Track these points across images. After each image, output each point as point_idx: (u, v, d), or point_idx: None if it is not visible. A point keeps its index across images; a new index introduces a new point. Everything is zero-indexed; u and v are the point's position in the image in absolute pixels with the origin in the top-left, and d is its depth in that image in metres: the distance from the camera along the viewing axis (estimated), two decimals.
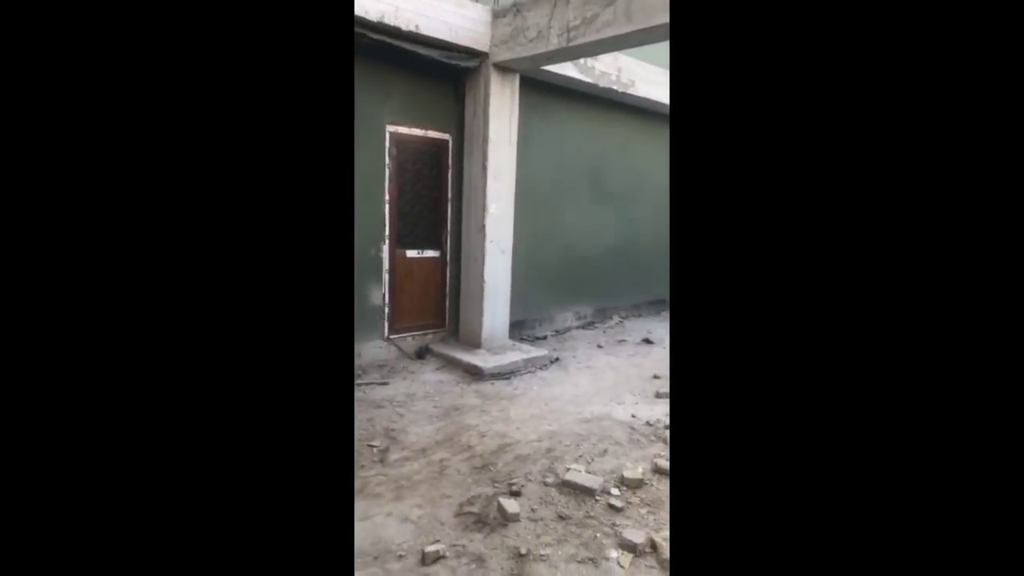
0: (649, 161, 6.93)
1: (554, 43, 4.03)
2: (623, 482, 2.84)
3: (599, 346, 5.63)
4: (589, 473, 2.91)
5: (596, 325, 6.53)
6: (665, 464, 3.01)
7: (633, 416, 3.79)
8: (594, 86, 5.49)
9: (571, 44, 3.91)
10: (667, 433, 3.48)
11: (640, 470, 2.95)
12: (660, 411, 3.89)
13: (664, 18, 3.35)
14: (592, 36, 3.76)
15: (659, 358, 5.27)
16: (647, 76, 6.00)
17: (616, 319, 6.80)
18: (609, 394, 4.23)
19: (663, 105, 6.33)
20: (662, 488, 2.82)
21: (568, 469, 2.94)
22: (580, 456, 3.16)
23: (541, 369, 4.80)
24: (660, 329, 6.46)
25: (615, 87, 5.66)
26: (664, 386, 4.40)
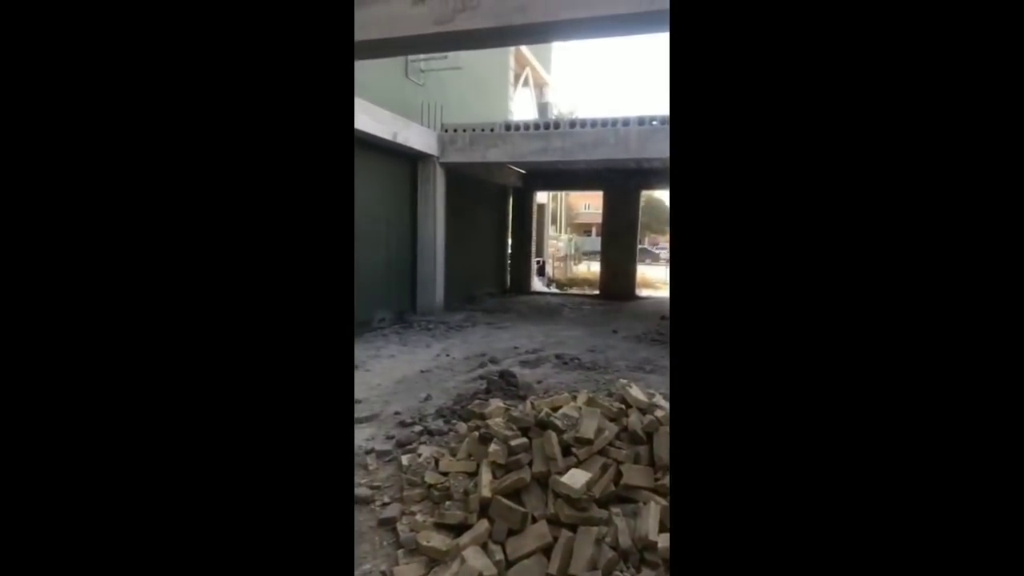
0: None
1: None
2: None
3: None
4: None
5: None
6: (364, 492, 2.92)
7: None
8: None
9: None
10: (367, 458, 3.40)
11: None
12: (361, 437, 3.79)
13: None
14: None
15: (360, 381, 5.17)
16: None
17: None
18: None
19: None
20: (362, 519, 2.72)
21: None
22: None
23: None
24: (362, 352, 6.37)
25: None
26: (365, 410, 4.32)
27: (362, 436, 3.81)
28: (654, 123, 7.68)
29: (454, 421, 3.97)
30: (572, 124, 7.93)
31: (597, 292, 12.22)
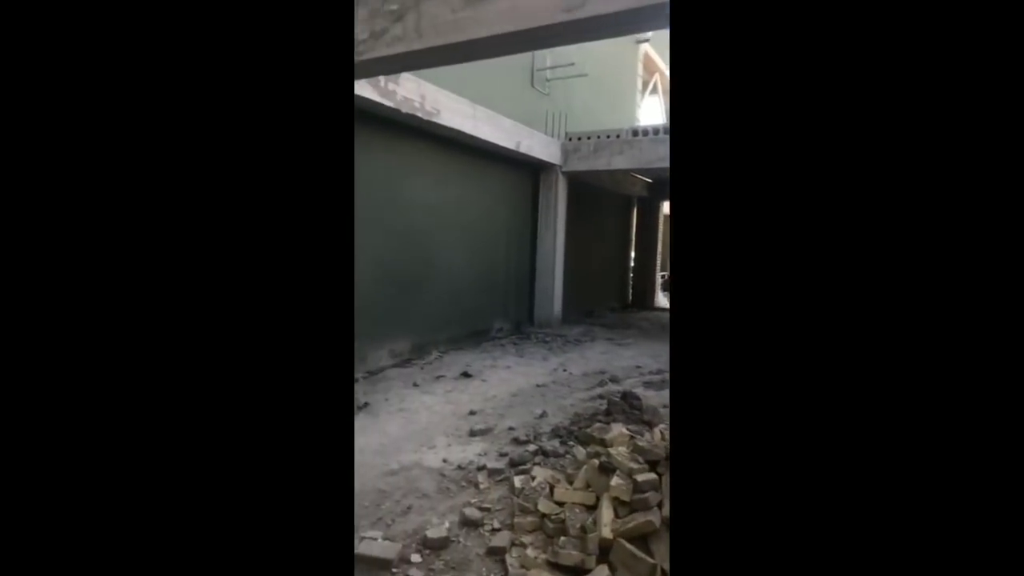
0: (461, 192, 6.87)
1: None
2: (426, 544, 2.48)
3: (415, 384, 5.26)
4: (386, 539, 2.50)
5: (413, 362, 6.15)
6: (473, 513, 2.72)
7: (444, 461, 3.46)
8: (396, 111, 5.24)
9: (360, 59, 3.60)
10: (479, 476, 3.22)
11: (446, 526, 2.62)
12: (473, 451, 3.63)
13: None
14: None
15: (476, 392, 5.06)
16: (453, 106, 5.95)
17: (435, 354, 6.50)
18: (420, 438, 3.87)
19: (469, 136, 6.33)
20: (470, 544, 2.52)
21: (362, 539, 2.49)
22: (379, 519, 2.73)
23: None
24: (479, 362, 6.30)
25: (419, 113, 5.48)
26: (479, 422, 4.17)
27: (474, 450, 3.65)
28: None
29: (571, 443, 3.68)
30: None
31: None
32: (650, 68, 14.16)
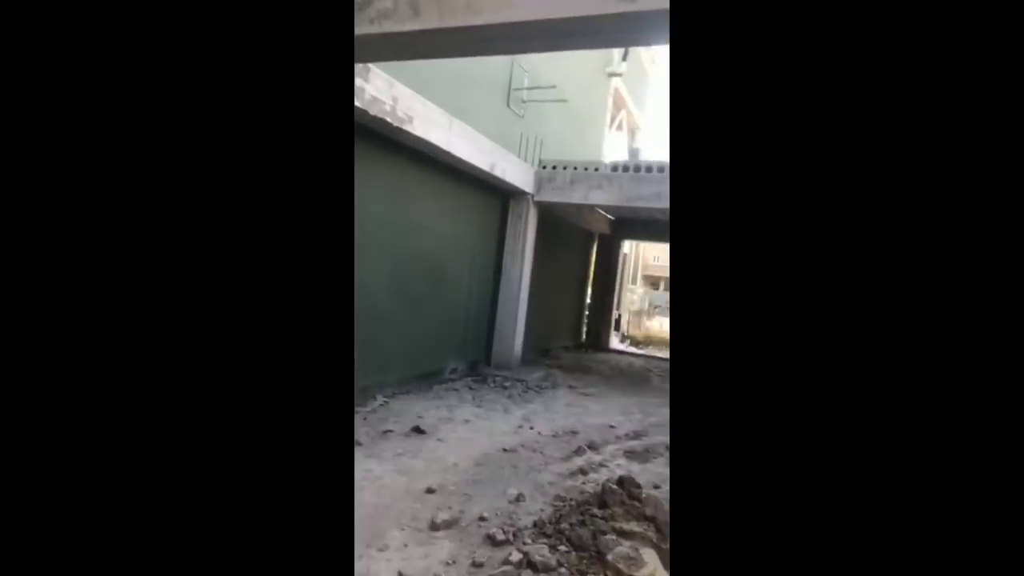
0: (423, 212, 6.03)
1: None
2: None
3: (358, 443, 4.31)
4: None
5: (356, 409, 5.18)
6: None
7: (400, 575, 2.58)
8: (363, 112, 4.39)
9: None
10: None
11: None
12: (438, 557, 2.76)
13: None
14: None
15: (433, 456, 4.18)
16: (428, 116, 5.16)
17: (380, 400, 5.55)
18: (367, 531, 2.95)
19: (443, 151, 5.54)
20: None
21: None
22: None
23: None
24: (432, 412, 5.41)
25: (388, 119, 4.65)
26: (442, 506, 3.30)
27: (439, 555, 2.79)
28: None
29: (563, 548, 2.89)
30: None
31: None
32: (618, 104, 13.95)
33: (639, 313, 17.53)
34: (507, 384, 6.88)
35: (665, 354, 11.83)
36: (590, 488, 3.73)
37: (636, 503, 3.37)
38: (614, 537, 2.98)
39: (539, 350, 9.32)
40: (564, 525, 3.11)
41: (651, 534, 3.07)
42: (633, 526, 3.13)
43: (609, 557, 2.55)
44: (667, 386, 8.26)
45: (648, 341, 14.22)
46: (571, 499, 3.53)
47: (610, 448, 4.77)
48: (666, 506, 3.47)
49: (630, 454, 4.69)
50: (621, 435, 5.24)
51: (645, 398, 7.08)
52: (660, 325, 17.39)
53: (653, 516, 3.26)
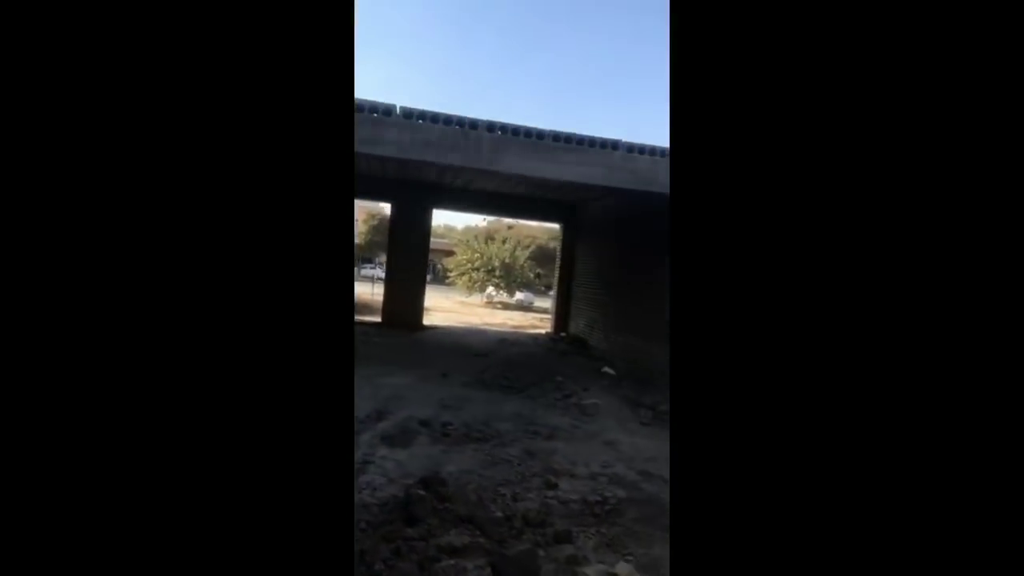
0: None
1: None
2: None
3: None
4: None
5: None
6: None
7: None
8: None
9: None
10: None
11: None
12: None
13: None
14: None
15: None
16: None
17: None
18: None
19: None
20: None
21: None
22: None
23: None
24: None
25: None
26: None
27: None
28: (491, 129, 6.43)
29: None
30: (409, 114, 6.17)
31: (379, 320, 10.31)
32: None
33: None
34: None
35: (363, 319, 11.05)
36: (377, 499, 2.95)
37: (448, 505, 2.79)
38: (447, 560, 2.35)
39: None
40: (378, 566, 2.30)
41: (481, 540, 2.56)
42: (456, 538, 2.54)
43: None
44: (380, 352, 7.63)
45: None
46: (361, 520, 2.69)
47: (365, 437, 3.98)
48: (477, 496, 2.99)
49: (385, 438, 4.01)
50: (362, 417, 4.48)
51: (369, 369, 6.34)
52: None
53: (470, 516, 2.74)
